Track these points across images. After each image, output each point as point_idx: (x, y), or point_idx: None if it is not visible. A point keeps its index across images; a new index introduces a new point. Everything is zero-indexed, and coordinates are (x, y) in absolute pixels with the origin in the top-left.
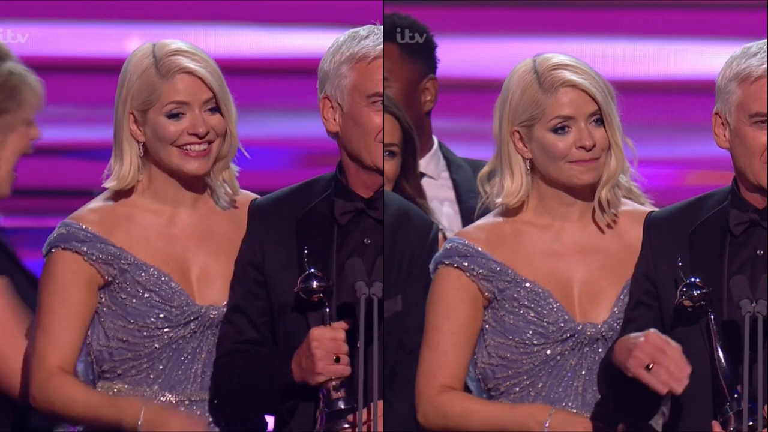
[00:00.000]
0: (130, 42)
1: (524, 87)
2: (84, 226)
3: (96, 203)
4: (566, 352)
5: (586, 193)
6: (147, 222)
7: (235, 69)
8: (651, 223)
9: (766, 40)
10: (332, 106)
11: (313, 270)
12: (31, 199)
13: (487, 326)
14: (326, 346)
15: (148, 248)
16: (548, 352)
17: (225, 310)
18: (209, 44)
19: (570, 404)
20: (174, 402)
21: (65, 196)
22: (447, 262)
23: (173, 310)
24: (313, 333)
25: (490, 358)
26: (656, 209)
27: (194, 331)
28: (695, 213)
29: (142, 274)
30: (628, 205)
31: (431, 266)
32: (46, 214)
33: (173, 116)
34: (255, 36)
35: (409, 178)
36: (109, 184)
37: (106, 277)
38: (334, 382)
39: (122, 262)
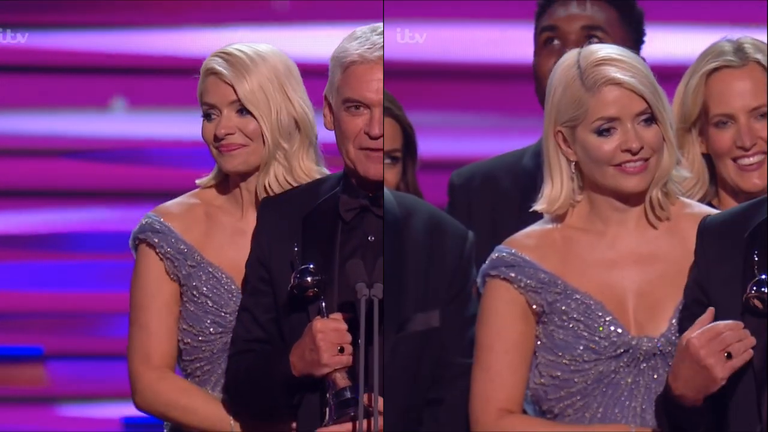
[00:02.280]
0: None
1: (566, 83)
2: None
3: None
4: (621, 369)
5: (639, 197)
6: None
7: None
8: (705, 229)
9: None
10: (329, 105)
11: (305, 266)
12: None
13: (538, 343)
14: (330, 337)
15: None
16: (601, 369)
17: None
18: (205, 45)
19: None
20: None
21: (62, 196)
22: (493, 274)
23: (227, 316)
24: (316, 325)
25: (541, 378)
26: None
27: None
28: (751, 217)
29: (206, 278)
30: (692, 207)
31: (479, 280)
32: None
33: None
34: (255, 37)
35: (407, 180)
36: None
37: None
38: (339, 373)
39: (189, 263)
